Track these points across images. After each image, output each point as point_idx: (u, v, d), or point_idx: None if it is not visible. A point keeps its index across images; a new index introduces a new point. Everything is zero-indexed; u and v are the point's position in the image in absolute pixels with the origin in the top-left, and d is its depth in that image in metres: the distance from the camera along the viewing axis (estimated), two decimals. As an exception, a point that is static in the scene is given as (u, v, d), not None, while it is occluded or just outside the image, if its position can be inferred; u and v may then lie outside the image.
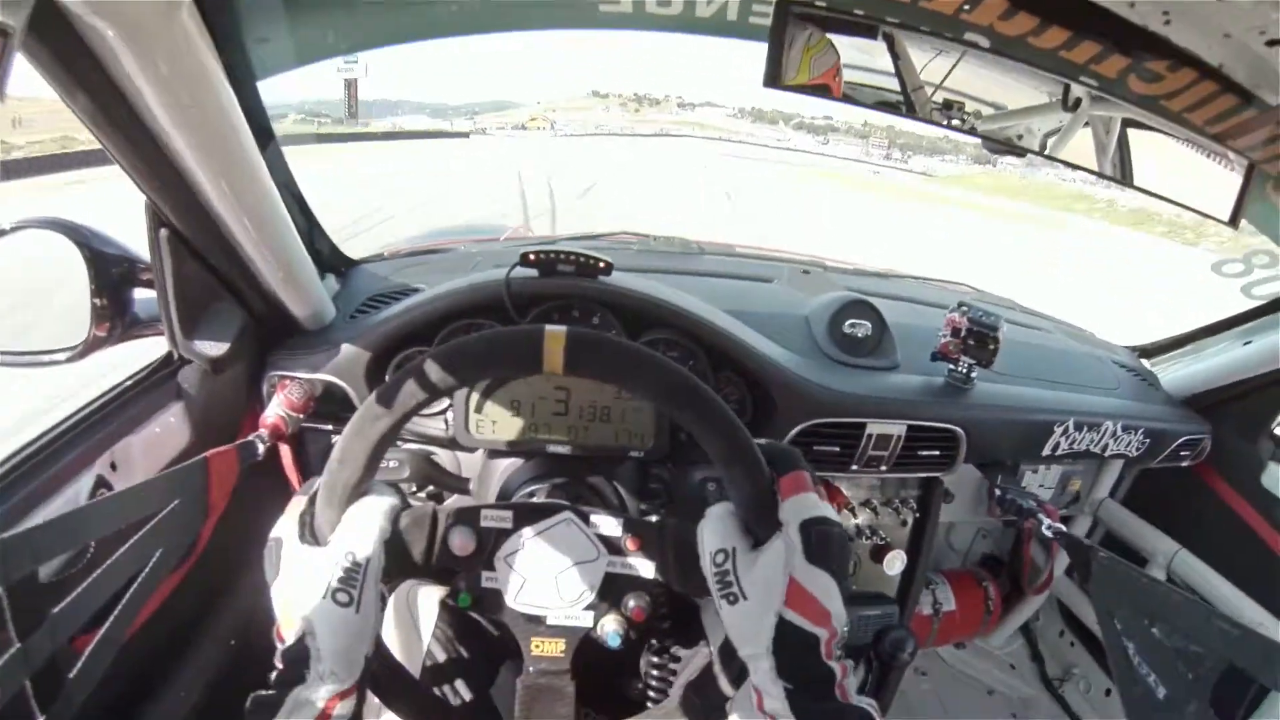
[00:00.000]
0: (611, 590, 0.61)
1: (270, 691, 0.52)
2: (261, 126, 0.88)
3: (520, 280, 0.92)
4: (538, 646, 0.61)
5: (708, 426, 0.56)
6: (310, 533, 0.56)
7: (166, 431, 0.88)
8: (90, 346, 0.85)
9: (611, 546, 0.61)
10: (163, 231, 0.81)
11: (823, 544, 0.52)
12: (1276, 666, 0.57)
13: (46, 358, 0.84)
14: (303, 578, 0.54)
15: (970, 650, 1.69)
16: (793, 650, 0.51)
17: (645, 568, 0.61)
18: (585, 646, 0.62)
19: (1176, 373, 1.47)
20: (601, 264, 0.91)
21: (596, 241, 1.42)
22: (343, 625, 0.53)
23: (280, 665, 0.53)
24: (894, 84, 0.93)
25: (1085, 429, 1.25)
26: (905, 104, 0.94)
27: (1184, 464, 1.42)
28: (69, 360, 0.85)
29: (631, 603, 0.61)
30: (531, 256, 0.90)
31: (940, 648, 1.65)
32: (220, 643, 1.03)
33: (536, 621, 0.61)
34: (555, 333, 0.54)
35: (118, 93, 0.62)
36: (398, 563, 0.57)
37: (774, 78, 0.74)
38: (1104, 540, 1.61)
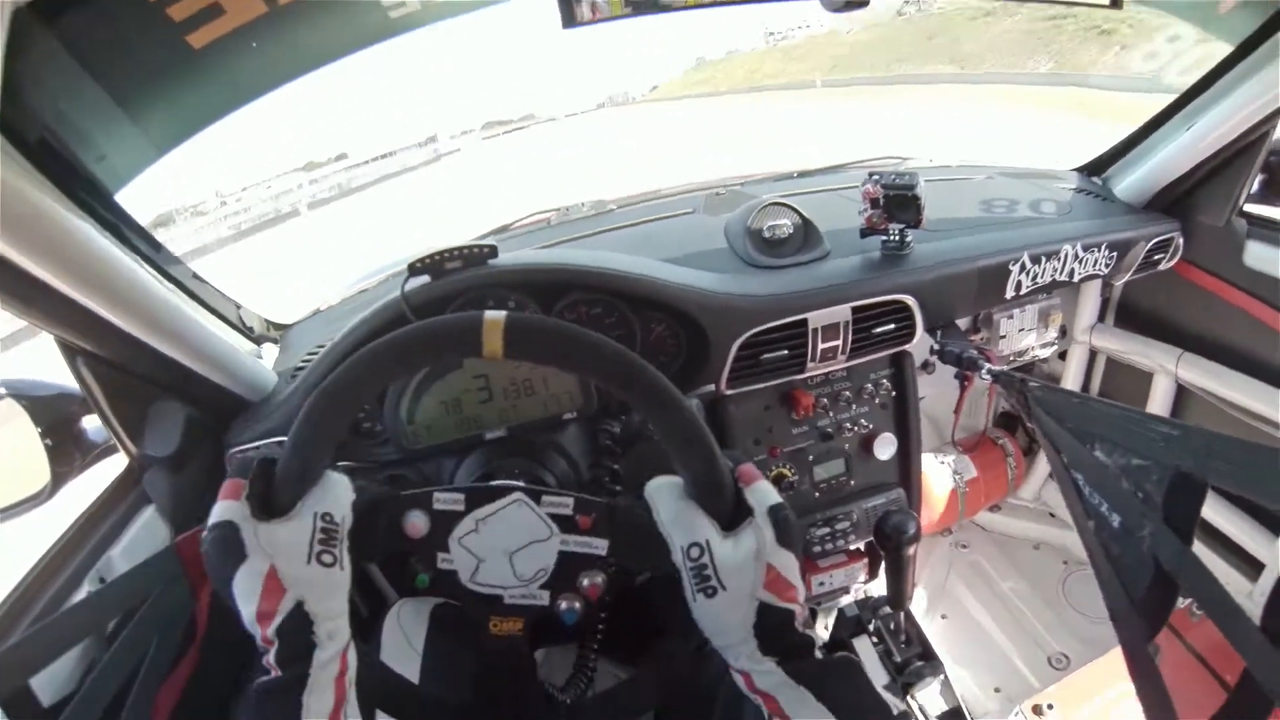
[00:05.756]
0: (567, 568, 0.61)
1: (275, 675, 0.50)
2: (140, 237, 0.89)
3: (417, 290, 0.92)
4: (496, 625, 0.62)
5: (655, 405, 0.56)
6: (267, 510, 0.54)
7: (147, 536, 0.90)
8: (56, 484, 0.88)
9: (564, 525, 0.61)
10: (78, 359, 0.82)
11: (788, 528, 0.56)
12: (1216, 459, 0.52)
13: (17, 510, 0.88)
14: (281, 551, 0.52)
15: (1006, 511, 1.68)
16: (772, 629, 0.54)
17: (599, 546, 0.61)
18: (553, 617, 0.62)
19: (1128, 179, 1.41)
20: (485, 249, 0.91)
21: (509, 231, 1.40)
22: (332, 584, 0.53)
23: (277, 642, 0.51)
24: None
25: (1043, 260, 1.22)
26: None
27: (1160, 267, 1.38)
28: (39, 504, 0.88)
29: (586, 581, 0.61)
30: (417, 264, 0.90)
31: (975, 517, 1.64)
32: None
33: (494, 601, 0.61)
34: (494, 318, 0.54)
35: None
36: (355, 545, 0.57)
37: (569, 19, 0.72)
38: (1106, 365, 1.57)
